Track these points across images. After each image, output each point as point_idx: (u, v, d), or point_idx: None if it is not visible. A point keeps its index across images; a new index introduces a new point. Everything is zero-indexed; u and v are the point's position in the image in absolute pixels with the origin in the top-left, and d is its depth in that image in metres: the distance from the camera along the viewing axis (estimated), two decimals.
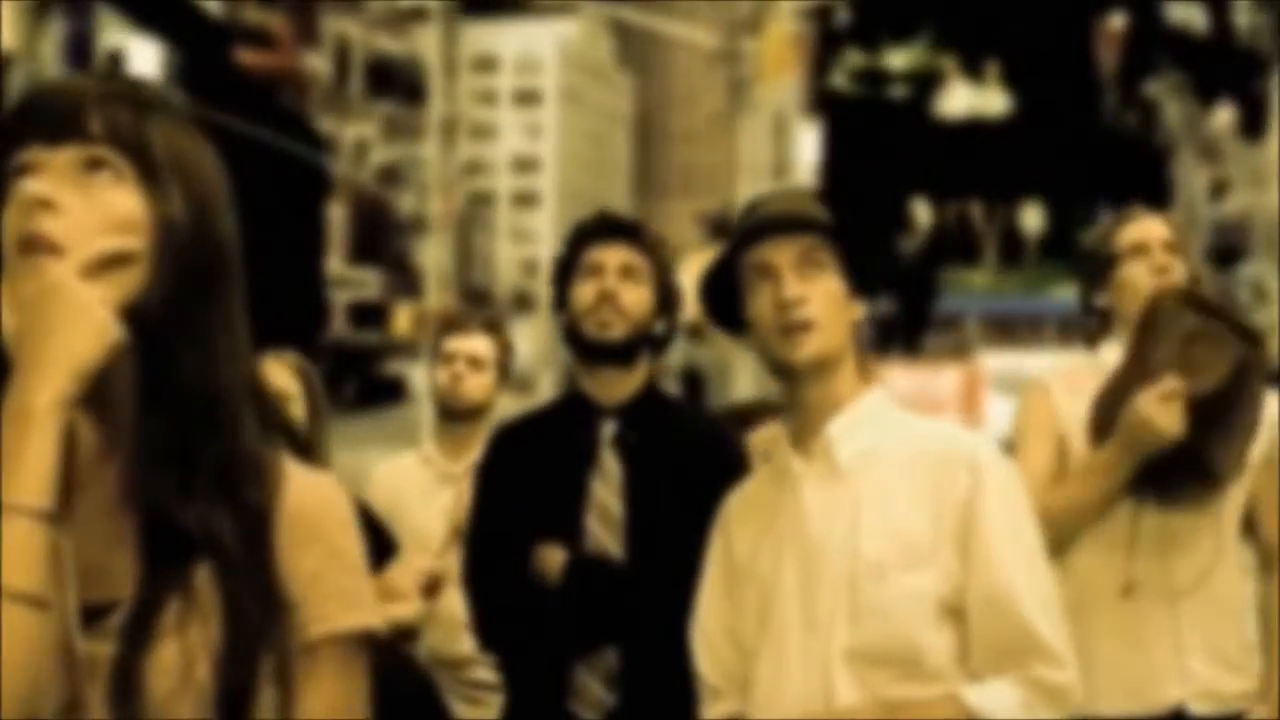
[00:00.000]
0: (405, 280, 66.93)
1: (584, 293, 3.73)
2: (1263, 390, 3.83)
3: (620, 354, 3.72)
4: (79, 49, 36.02)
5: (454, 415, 5.21)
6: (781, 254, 2.78)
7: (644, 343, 3.76)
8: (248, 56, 48.27)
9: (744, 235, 2.84)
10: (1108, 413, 3.76)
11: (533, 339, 54.12)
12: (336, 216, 60.19)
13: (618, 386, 3.75)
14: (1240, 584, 3.98)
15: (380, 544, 4.54)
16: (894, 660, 2.69)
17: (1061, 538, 3.73)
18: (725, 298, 2.89)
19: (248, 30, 49.10)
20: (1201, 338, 3.74)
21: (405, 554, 4.66)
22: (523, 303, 73.86)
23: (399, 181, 69.80)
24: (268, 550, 1.65)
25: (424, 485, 5.15)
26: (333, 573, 1.68)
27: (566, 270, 3.82)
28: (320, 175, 55.59)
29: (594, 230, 3.82)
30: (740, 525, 2.94)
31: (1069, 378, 4.06)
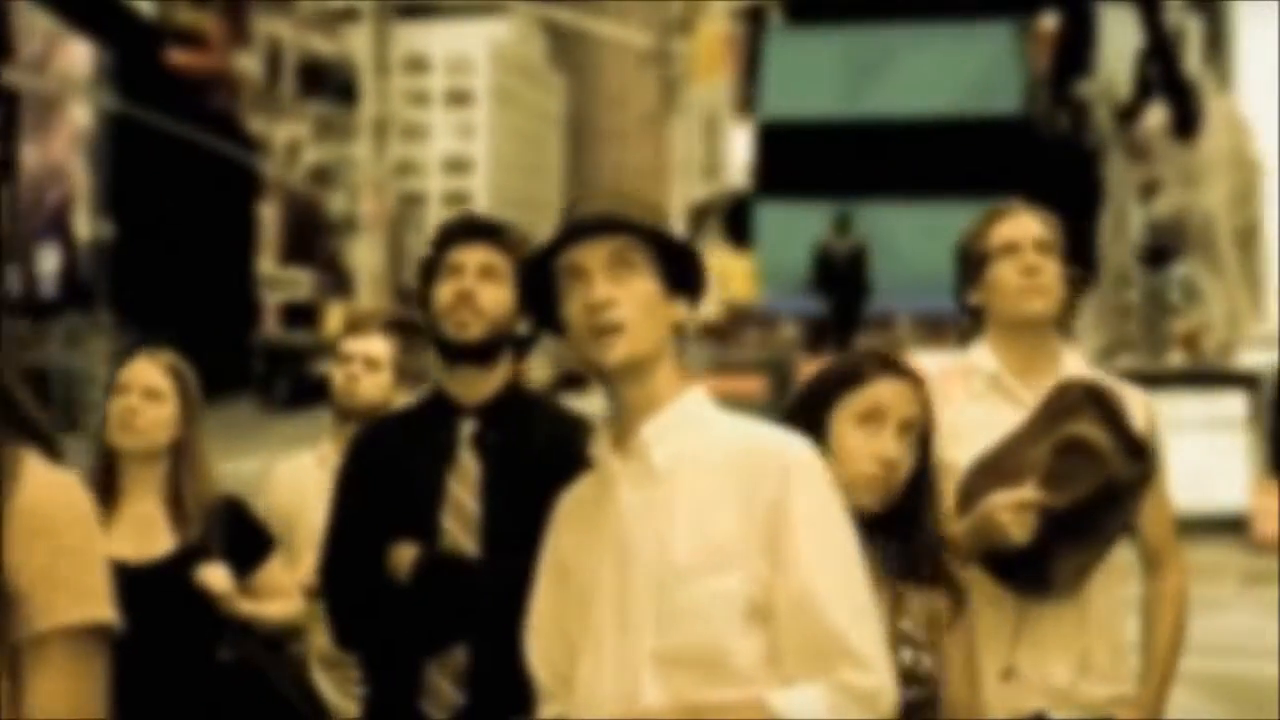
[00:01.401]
0: (337, 280, 66.78)
1: (444, 292, 3.74)
2: (1124, 512, 3.81)
3: (478, 353, 3.73)
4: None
5: (350, 415, 5.21)
6: (592, 256, 2.77)
7: (504, 343, 3.77)
8: (179, 57, 48.04)
9: (557, 237, 2.82)
10: (975, 488, 3.75)
11: None
12: (268, 217, 60.00)
13: (477, 386, 3.76)
14: (1113, 589, 3.94)
15: (257, 542, 4.52)
16: (700, 663, 2.66)
17: None
18: (545, 299, 2.87)
19: (179, 30, 48.86)
20: (1080, 449, 3.73)
21: (302, 553, 4.64)
22: None
23: (330, 182, 69.67)
24: None
25: (322, 485, 5.12)
26: (63, 567, 1.69)
27: (431, 271, 3.82)
28: (251, 176, 55.40)
29: (456, 231, 3.84)
30: (567, 525, 2.94)
31: (936, 383, 4.02)
